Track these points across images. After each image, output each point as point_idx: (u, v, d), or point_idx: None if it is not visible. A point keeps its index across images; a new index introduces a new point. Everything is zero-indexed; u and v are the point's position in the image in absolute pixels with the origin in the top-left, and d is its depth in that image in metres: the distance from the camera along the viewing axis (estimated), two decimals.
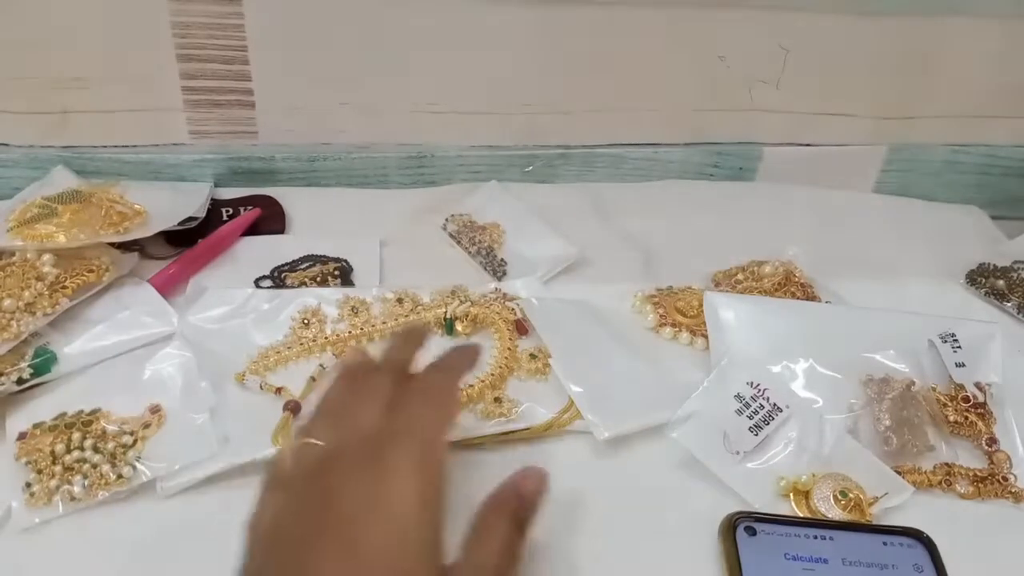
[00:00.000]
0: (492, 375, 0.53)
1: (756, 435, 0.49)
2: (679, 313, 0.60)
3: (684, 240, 0.68)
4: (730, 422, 0.50)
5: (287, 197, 0.69)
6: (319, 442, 0.40)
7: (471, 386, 0.52)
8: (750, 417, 0.50)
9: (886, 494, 0.47)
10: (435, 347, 0.56)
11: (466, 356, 0.47)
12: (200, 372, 0.52)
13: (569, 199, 0.73)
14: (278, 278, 0.61)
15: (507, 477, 0.41)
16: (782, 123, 0.74)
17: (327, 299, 0.58)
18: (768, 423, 0.50)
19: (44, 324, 0.52)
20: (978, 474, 0.50)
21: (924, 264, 0.68)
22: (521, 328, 0.57)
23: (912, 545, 0.44)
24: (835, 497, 0.47)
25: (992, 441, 0.51)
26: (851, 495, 0.47)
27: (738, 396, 0.51)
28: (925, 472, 0.50)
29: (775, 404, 0.51)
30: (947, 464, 0.50)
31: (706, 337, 0.58)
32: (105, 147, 0.67)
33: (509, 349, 0.55)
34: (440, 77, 0.68)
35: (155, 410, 0.49)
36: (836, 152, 0.76)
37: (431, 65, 0.67)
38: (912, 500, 0.48)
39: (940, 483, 0.49)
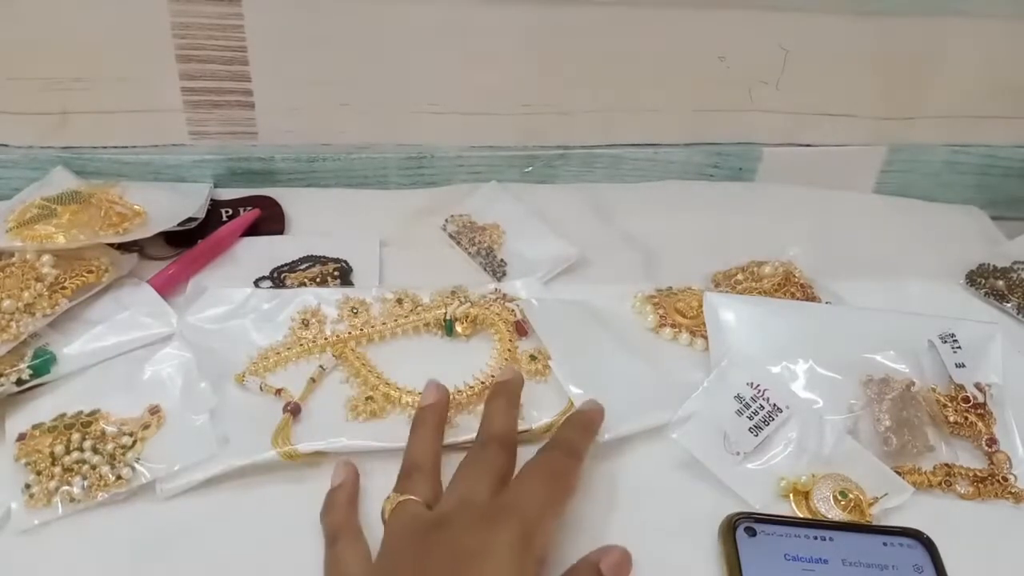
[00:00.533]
0: (492, 377, 0.53)
1: (756, 436, 0.49)
2: (679, 314, 0.60)
3: (684, 240, 0.68)
4: (730, 423, 0.50)
5: (287, 198, 0.69)
6: (417, 499, 0.41)
7: (470, 387, 0.52)
8: (750, 418, 0.50)
9: (886, 495, 0.47)
10: (435, 348, 0.57)
11: (591, 427, 0.47)
12: (200, 372, 0.51)
13: (569, 199, 0.73)
14: (278, 279, 0.61)
15: (588, 554, 0.41)
16: (782, 123, 0.74)
17: (327, 299, 0.58)
18: (768, 423, 0.50)
19: (43, 325, 0.52)
20: (978, 474, 0.50)
21: (924, 264, 0.68)
22: (521, 329, 0.57)
23: (912, 546, 0.44)
24: (835, 497, 0.47)
25: (992, 441, 0.51)
26: (851, 495, 0.47)
27: (738, 397, 0.51)
28: (925, 472, 0.49)
29: (775, 405, 0.51)
30: (947, 464, 0.50)
31: (706, 338, 0.57)
32: (105, 148, 0.67)
33: (509, 350, 0.55)
34: (440, 77, 0.68)
35: (154, 411, 0.49)
36: (836, 152, 0.76)
37: (431, 65, 0.67)
38: (912, 500, 0.48)
39: (940, 483, 0.49)
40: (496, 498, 0.41)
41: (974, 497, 0.49)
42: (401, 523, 0.41)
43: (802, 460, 0.49)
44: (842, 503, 0.47)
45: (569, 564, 0.42)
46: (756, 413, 0.50)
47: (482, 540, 0.38)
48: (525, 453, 0.48)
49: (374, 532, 0.43)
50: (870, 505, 0.47)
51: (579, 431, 0.46)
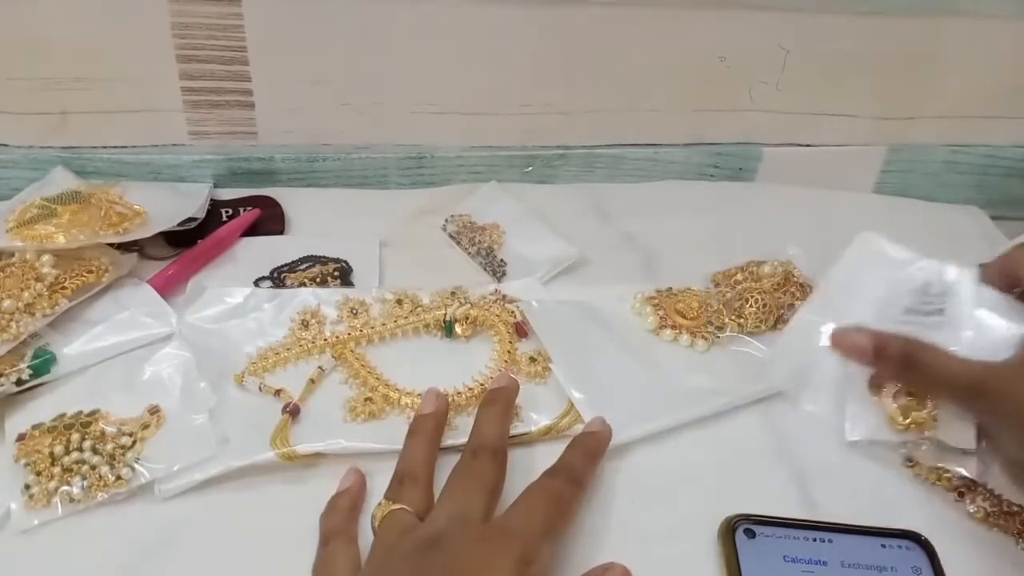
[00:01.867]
0: (491, 379, 0.53)
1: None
2: (679, 315, 0.60)
3: (684, 240, 0.68)
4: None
5: (287, 198, 0.69)
6: (409, 508, 0.41)
7: (470, 389, 0.52)
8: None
9: None
10: (435, 349, 0.57)
11: (596, 453, 0.47)
12: (199, 372, 0.52)
13: (569, 199, 0.73)
14: (277, 279, 0.61)
15: (589, 571, 0.41)
16: (782, 123, 0.74)
17: (326, 300, 0.58)
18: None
19: (43, 325, 0.52)
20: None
21: None
22: (521, 331, 0.57)
23: (911, 547, 0.44)
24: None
25: None
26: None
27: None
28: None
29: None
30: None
31: (705, 339, 0.58)
32: (105, 148, 0.67)
33: (509, 352, 0.55)
34: (440, 77, 0.68)
35: (154, 411, 0.49)
36: (836, 152, 0.76)
37: (431, 65, 0.67)
38: (911, 502, 0.48)
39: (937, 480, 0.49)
40: (495, 520, 0.41)
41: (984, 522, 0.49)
42: (393, 535, 0.40)
43: None
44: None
45: (568, 567, 0.42)
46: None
47: (481, 562, 0.37)
48: (524, 455, 0.48)
49: (365, 536, 0.43)
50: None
51: (584, 457, 0.46)
